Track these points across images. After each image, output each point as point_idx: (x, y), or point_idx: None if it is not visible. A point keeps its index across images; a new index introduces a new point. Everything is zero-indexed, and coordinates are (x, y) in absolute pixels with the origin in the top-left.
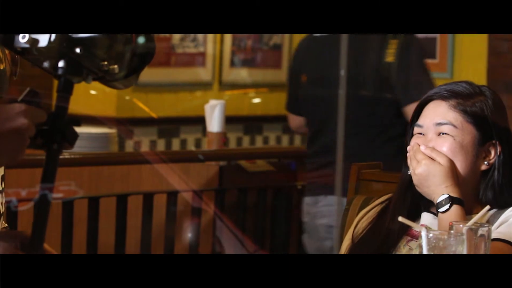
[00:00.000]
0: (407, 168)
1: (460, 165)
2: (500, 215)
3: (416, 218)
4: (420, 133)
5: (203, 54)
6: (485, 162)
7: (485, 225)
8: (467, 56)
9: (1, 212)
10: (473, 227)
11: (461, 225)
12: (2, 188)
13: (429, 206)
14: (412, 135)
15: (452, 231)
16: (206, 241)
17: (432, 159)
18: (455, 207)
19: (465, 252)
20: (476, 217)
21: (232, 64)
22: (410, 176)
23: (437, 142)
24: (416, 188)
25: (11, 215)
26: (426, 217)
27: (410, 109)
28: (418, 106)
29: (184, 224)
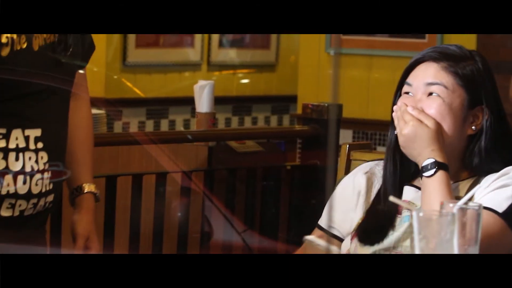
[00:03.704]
0: (394, 128)
1: (448, 128)
2: (481, 180)
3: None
4: (408, 93)
5: (191, 35)
6: (473, 127)
7: (476, 203)
8: (457, 35)
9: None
10: (464, 206)
11: (451, 205)
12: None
13: (411, 178)
14: (400, 95)
15: (443, 210)
16: (195, 221)
17: (420, 121)
18: (440, 172)
19: (456, 231)
20: (467, 196)
21: (221, 44)
22: (396, 137)
23: (425, 103)
24: (402, 149)
25: None
26: (408, 191)
27: None
28: (408, 68)
29: (173, 205)
